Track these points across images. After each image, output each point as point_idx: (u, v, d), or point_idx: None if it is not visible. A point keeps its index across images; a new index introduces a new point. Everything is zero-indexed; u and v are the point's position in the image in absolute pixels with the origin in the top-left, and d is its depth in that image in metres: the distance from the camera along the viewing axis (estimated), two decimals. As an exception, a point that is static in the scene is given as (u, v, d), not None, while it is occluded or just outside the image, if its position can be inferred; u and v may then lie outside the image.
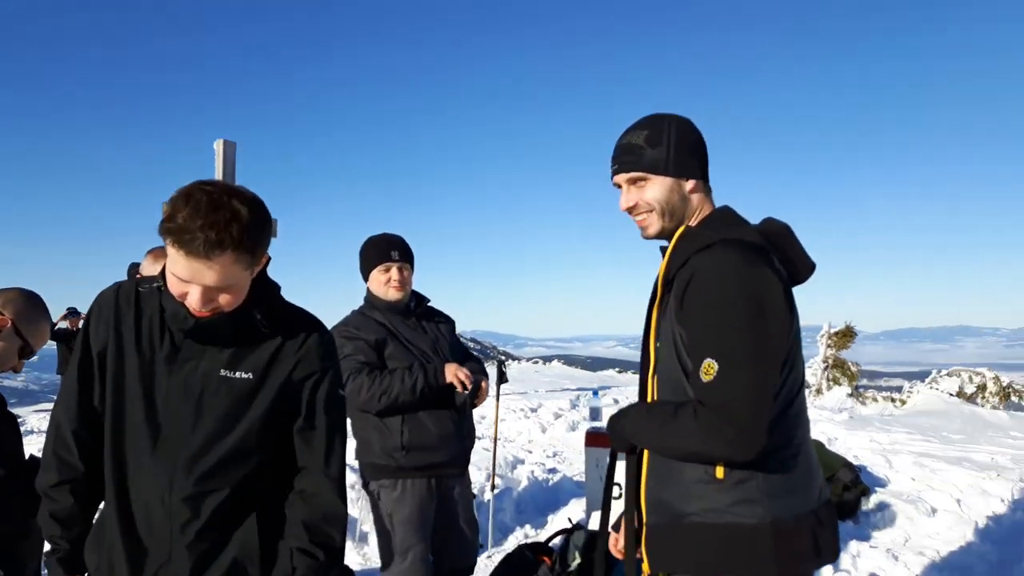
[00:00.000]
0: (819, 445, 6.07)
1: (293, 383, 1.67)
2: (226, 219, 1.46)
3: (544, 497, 6.06)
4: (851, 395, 11.43)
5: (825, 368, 11.82)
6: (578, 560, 3.74)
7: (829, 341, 12.03)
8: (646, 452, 1.77)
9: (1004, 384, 10.69)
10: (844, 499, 5.36)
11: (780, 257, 1.71)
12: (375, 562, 4.79)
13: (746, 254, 1.62)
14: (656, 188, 1.77)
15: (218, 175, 9.66)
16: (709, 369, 1.56)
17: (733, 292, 1.57)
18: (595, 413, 4.23)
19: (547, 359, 28.34)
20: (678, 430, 1.61)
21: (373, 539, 5.00)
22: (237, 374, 1.63)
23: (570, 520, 4.21)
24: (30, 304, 2.23)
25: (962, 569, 4.33)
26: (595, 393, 4.31)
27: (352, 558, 4.76)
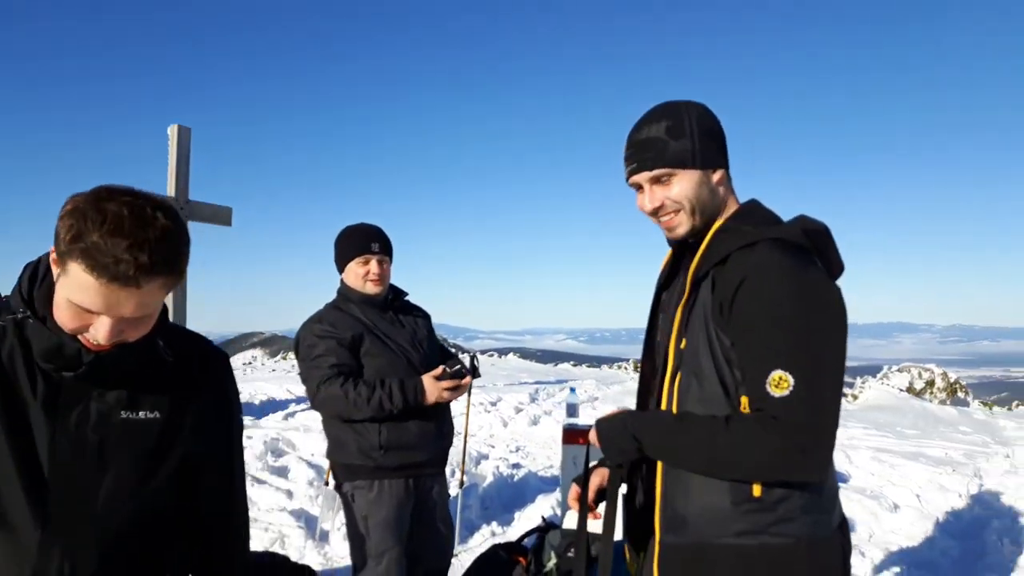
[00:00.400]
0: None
1: (203, 417, 1.45)
2: (156, 237, 1.19)
3: (509, 493, 5.96)
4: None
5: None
6: (554, 560, 3.64)
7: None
8: (660, 464, 1.64)
9: (951, 380, 10.99)
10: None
11: (819, 258, 1.60)
12: (338, 562, 4.64)
13: (799, 256, 1.52)
14: (684, 184, 1.62)
15: (172, 163, 9.32)
16: (782, 382, 1.43)
17: (800, 298, 1.46)
18: (572, 409, 4.14)
19: (502, 352, 28.30)
20: (738, 446, 1.47)
21: (335, 538, 4.85)
22: (141, 414, 1.36)
23: (543, 518, 4.11)
24: None
25: (927, 565, 4.38)
26: (572, 390, 4.21)
27: (313, 558, 4.60)
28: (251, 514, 5.20)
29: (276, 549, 4.68)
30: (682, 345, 1.60)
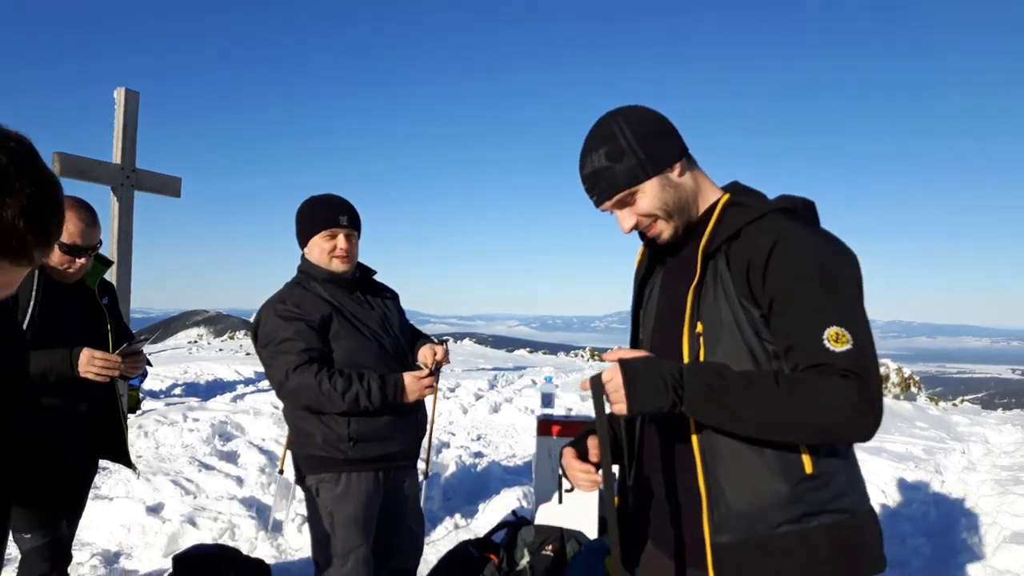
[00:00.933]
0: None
1: None
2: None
3: (472, 483, 5.74)
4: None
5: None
6: (527, 558, 3.45)
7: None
8: (699, 454, 1.49)
9: (906, 375, 11.14)
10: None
11: None
12: (291, 555, 4.36)
13: (812, 225, 1.56)
14: (646, 197, 1.59)
15: (118, 128, 8.78)
16: (840, 338, 1.39)
17: (836, 257, 1.48)
18: (547, 399, 3.93)
19: (457, 337, 28.00)
20: (814, 397, 1.38)
21: (289, 529, 4.57)
22: None
23: (514, 513, 3.92)
24: None
25: (900, 564, 4.31)
26: (548, 379, 4.00)
27: (265, 551, 4.31)
28: (200, 502, 4.90)
29: (226, 540, 4.38)
30: (698, 329, 1.52)
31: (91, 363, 2.52)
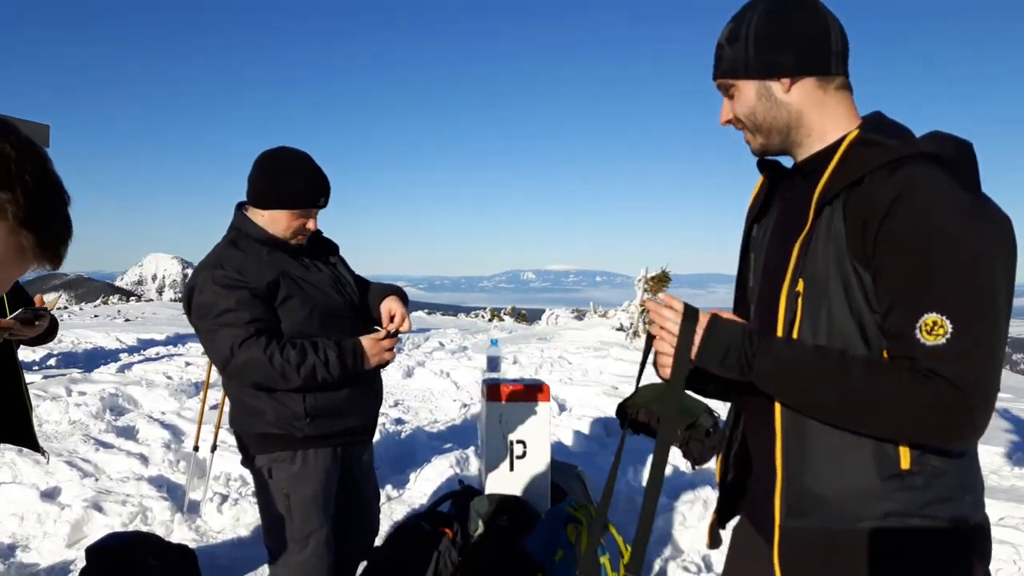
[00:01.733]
0: (678, 391, 6.10)
1: None
2: None
3: (398, 451, 5.54)
4: (664, 339, 11.97)
5: (642, 312, 12.26)
6: (481, 528, 3.30)
7: (646, 286, 12.48)
8: (780, 427, 1.33)
9: None
10: (706, 445, 5.41)
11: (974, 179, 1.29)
12: (213, 537, 4.03)
13: (960, 176, 1.23)
14: (741, 98, 1.42)
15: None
16: (936, 328, 1.16)
17: (967, 227, 1.18)
18: (493, 363, 3.75)
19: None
20: (884, 394, 1.20)
21: (207, 509, 4.23)
22: None
23: (460, 482, 3.75)
24: None
25: None
26: (494, 342, 3.81)
27: (184, 534, 3.96)
28: (103, 484, 4.44)
29: (138, 525, 3.99)
30: (798, 287, 1.30)
31: None
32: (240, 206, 2.49)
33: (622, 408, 6.05)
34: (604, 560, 3.17)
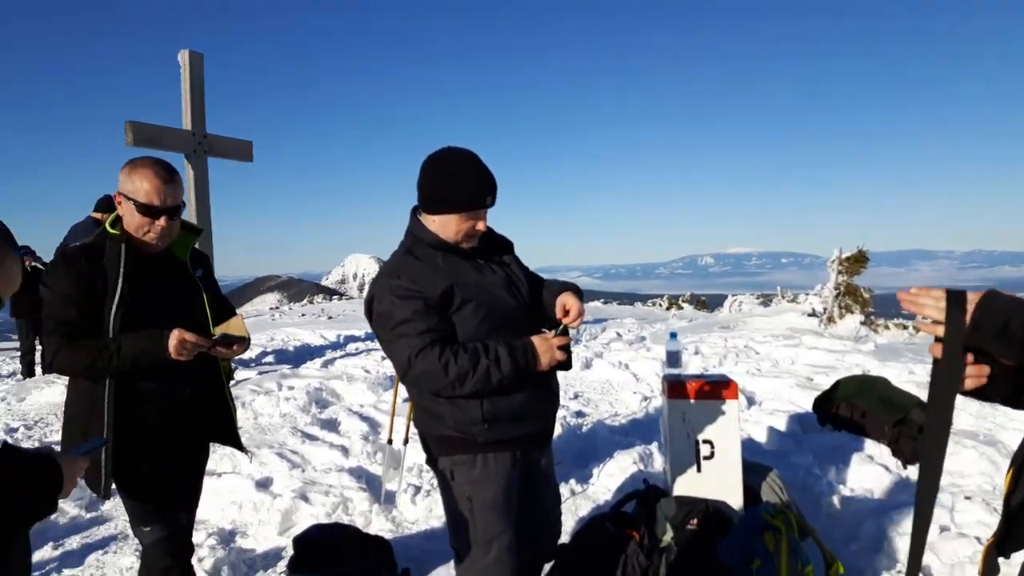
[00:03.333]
0: (885, 381, 5.57)
1: None
2: None
3: (580, 446, 5.49)
4: (864, 323, 11.01)
5: (837, 296, 11.36)
6: (670, 533, 3.16)
7: (840, 267, 11.55)
8: None
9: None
10: (918, 443, 4.87)
11: None
12: (408, 528, 4.19)
13: None
14: None
15: (185, 92, 8.66)
16: None
17: None
18: (674, 358, 3.58)
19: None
20: None
21: (402, 501, 4.41)
22: None
23: (645, 482, 3.62)
24: None
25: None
26: (673, 335, 3.64)
27: (381, 524, 4.16)
28: (308, 475, 4.78)
29: (339, 515, 4.25)
30: None
31: (182, 348, 2.32)
32: (415, 211, 2.53)
33: (821, 402, 5.61)
34: (808, 572, 2.92)
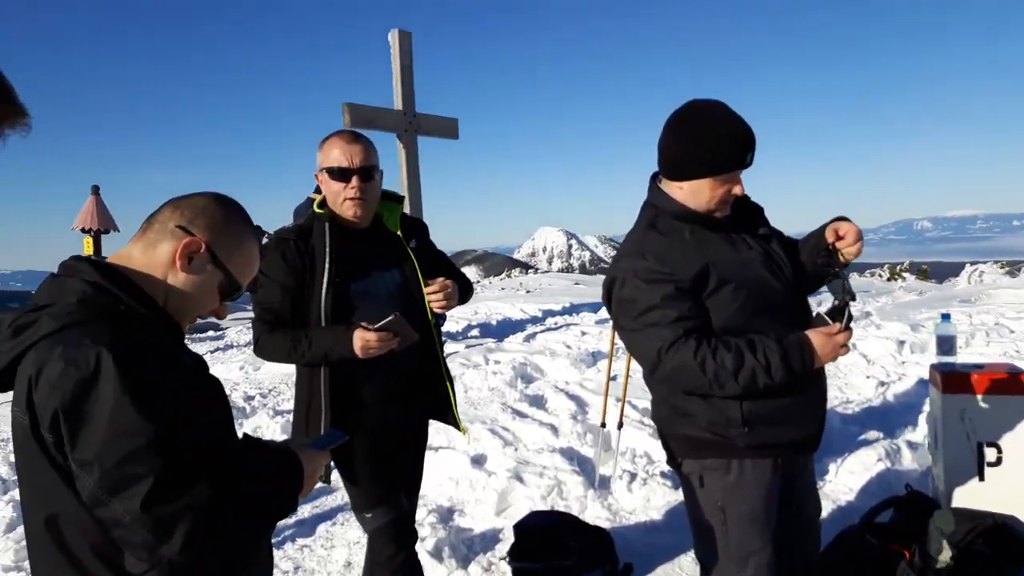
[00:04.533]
0: None
1: None
2: None
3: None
4: None
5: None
6: (949, 553, 2.66)
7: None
8: None
9: None
10: None
11: None
12: (625, 518, 3.95)
13: None
14: None
15: (396, 71, 8.93)
16: None
17: None
18: (946, 344, 3.02)
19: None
20: None
21: (618, 488, 4.19)
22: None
23: (908, 487, 3.12)
24: (230, 218, 1.43)
25: None
26: (945, 317, 3.07)
27: (597, 512, 3.97)
28: (521, 454, 4.70)
29: (554, 499, 4.12)
30: None
31: (368, 348, 2.23)
32: (654, 177, 2.24)
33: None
34: None
